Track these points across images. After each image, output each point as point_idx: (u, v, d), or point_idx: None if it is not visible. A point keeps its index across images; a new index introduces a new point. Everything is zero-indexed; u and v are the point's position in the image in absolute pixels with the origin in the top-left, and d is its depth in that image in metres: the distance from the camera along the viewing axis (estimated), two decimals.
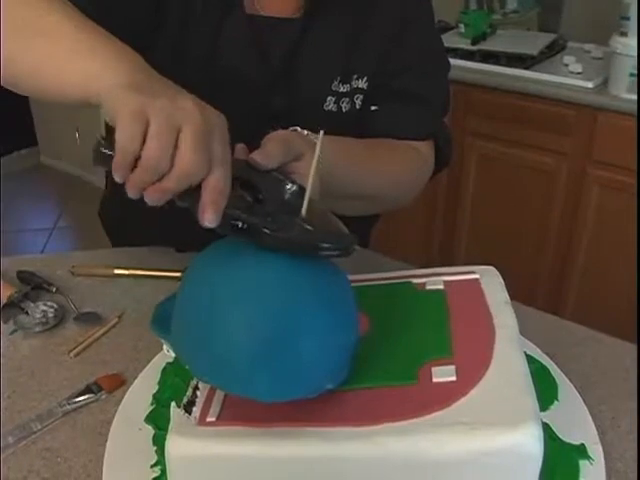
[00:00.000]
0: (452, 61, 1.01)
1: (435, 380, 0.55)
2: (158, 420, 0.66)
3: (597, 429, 0.64)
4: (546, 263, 2.12)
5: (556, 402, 0.67)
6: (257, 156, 0.63)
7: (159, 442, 0.63)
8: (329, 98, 0.89)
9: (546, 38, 2.20)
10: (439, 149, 0.98)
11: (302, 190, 0.61)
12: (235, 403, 0.57)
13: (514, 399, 0.52)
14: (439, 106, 0.98)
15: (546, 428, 0.52)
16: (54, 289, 0.89)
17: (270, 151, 0.64)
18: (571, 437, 0.62)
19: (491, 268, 0.71)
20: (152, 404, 0.69)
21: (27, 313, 0.84)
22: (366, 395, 0.56)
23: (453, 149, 1.00)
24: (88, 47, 0.62)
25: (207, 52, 0.84)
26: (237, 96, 0.85)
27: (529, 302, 0.83)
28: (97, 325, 0.83)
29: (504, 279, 0.69)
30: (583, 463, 0.60)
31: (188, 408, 0.57)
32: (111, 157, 0.54)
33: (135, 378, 0.73)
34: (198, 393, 0.59)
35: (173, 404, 0.58)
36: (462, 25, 2.22)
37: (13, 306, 0.85)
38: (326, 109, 0.89)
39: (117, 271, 0.93)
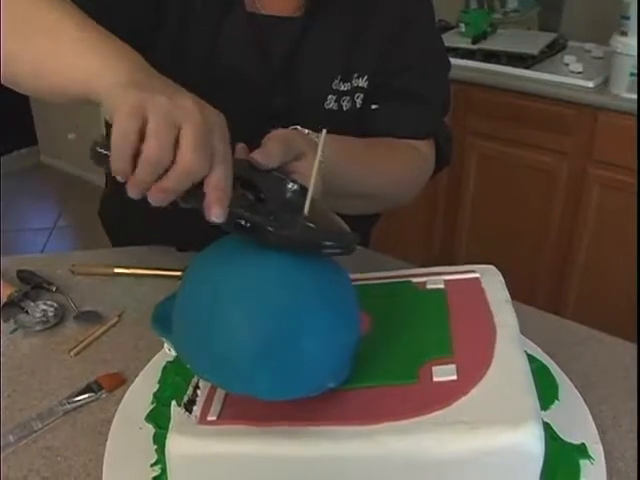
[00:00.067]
0: (452, 60, 1.01)
1: (436, 379, 0.55)
2: (158, 419, 0.66)
3: (598, 429, 0.64)
4: (546, 262, 2.12)
5: (557, 401, 0.67)
6: (258, 156, 0.63)
7: (159, 441, 0.63)
8: (330, 97, 0.89)
9: (546, 37, 2.20)
10: (439, 148, 0.98)
11: (303, 189, 0.61)
12: (236, 402, 0.57)
13: (515, 398, 0.52)
14: (439, 105, 0.98)
15: (547, 428, 0.52)
16: (54, 288, 0.89)
17: (270, 150, 0.64)
18: (572, 437, 0.62)
19: (491, 267, 0.71)
20: (152, 403, 0.69)
21: (27, 312, 0.84)
22: (367, 394, 0.56)
23: (453, 148, 1.00)
24: (88, 45, 0.62)
25: (207, 51, 0.84)
26: (237, 95, 0.85)
27: (529, 301, 0.82)
28: (97, 324, 0.83)
29: (504, 278, 0.69)
30: (584, 463, 0.60)
31: (189, 407, 0.57)
32: (107, 157, 0.54)
33: (135, 377, 0.73)
34: (199, 392, 0.59)
35: (174, 403, 0.58)
36: (462, 24, 2.22)
37: (13, 305, 0.85)
38: (327, 108, 0.89)
39: (117, 270, 0.93)
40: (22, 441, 0.66)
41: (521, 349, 0.59)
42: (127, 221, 1.03)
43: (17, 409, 0.70)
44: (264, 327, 0.53)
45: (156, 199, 0.53)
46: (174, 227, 0.83)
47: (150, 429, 0.66)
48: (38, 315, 0.83)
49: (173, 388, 0.69)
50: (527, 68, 2.02)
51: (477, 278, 0.68)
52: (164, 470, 0.59)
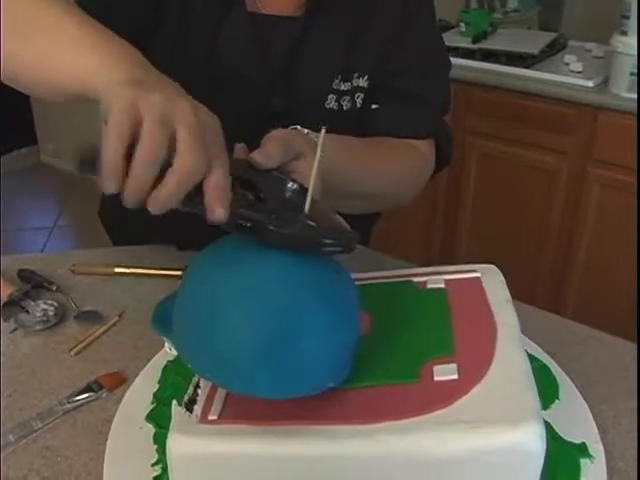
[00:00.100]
0: (453, 60, 1.01)
1: (437, 378, 0.55)
2: (159, 418, 0.66)
3: (598, 428, 0.64)
4: (547, 262, 2.12)
5: (557, 401, 0.67)
6: (257, 156, 0.63)
7: (160, 441, 0.63)
8: (330, 96, 0.89)
9: (547, 37, 2.20)
10: (440, 148, 0.98)
11: (303, 188, 0.61)
12: (237, 401, 0.57)
13: (516, 397, 0.52)
14: (439, 105, 0.97)
15: (547, 427, 0.51)
16: (54, 287, 0.89)
17: (270, 151, 0.64)
18: (572, 436, 0.62)
19: (492, 266, 0.71)
20: (153, 403, 0.69)
21: (28, 312, 0.84)
22: (368, 393, 0.56)
23: (454, 148, 1.00)
24: (88, 43, 0.62)
25: (207, 51, 0.84)
26: (237, 95, 0.85)
27: (530, 301, 0.82)
28: (98, 323, 0.82)
29: (505, 278, 0.69)
30: (584, 462, 0.60)
31: (189, 406, 0.57)
32: (94, 165, 0.53)
33: (136, 376, 0.73)
34: (199, 391, 0.59)
35: (174, 402, 0.58)
36: (463, 24, 2.23)
37: (14, 304, 0.85)
38: (327, 107, 0.89)
39: (118, 269, 0.93)
40: (22, 440, 0.66)
41: (522, 348, 0.59)
42: (127, 221, 1.02)
43: (17, 408, 0.70)
44: (264, 327, 0.53)
45: (156, 207, 0.52)
46: (174, 226, 0.83)
47: (150, 429, 0.65)
48: (38, 314, 0.83)
49: (173, 388, 0.69)
50: (527, 68, 2.02)
51: (478, 277, 0.68)
52: (165, 470, 0.59)
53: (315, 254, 0.57)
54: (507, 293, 0.66)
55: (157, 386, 0.71)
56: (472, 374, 0.55)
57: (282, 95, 0.88)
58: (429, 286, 0.68)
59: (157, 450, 0.63)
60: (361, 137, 0.88)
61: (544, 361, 0.72)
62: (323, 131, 0.60)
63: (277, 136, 0.66)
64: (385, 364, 0.58)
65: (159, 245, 0.97)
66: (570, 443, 0.61)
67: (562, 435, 0.62)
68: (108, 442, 0.64)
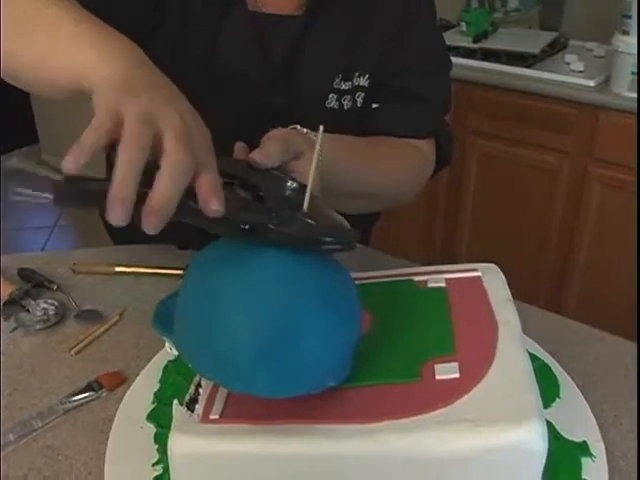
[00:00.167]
0: (453, 59, 1.01)
1: (438, 377, 0.55)
2: (160, 418, 0.66)
3: (599, 427, 0.64)
4: (547, 261, 2.12)
5: (558, 400, 0.67)
6: (256, 155, 0.62)
7: (161, 440, 0.63)
8: (331, 95, 0.89)
9: (547, 36, 2.20)
10: (440, 147, 0.97)
11: (302, 187, 0.60)
12: (238, 401, 0.57)
13: (517, 396, 0.52)
14: (440, 105, 0.97)
15: (548, 426, 0.51)
16: (55, 287, 0.89)
17: (269, 150, 0.64)
18: (573, 435, 0.62)
19: (493, 265, 0.71)
20: (153, 402, 0.69)
21: (28, 311, 0.84)
22: (369, 392, 0.56)
23: (454, 147, 1.00)
24: (86, 39, 0.62)
25: (207, 51, 0.84)
26: (237, 95, 0.85)
27: (531, 300, 0.82)
28: (98, 323, 0.82)
29: (506, 277, 0.69)
30: (585, 460, 0.60)
31: (191, 406, 0.57)
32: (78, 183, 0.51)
33: (136, 376, 0.73)
34: (201, 390, 0.59)
35: (175, 402, 0.57)
36: (463, 23, 2.22)
37: (14, 304, 0.85)
38: (328, 107, 0.89)
39: (118, 269, 0.93)
40: (22, 440, 0.66)
41: (523, 348, 0.58)
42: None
43: (17, 408, 0.70)
44: (265, 326, 0.53)
45: (151, 218, 0.49)
46: (175, 226, 0.83)
47: (151, 428, 0.65)
48: (39, 313, 0.83)
49: (174, 387, 0.69)
50: (528, 67, 2.02)
51: (478, 277, 0.68)
52: (166, 469, 0.59)
53: (315, 253, 0.57)
54: (508, 292, 0.66)
55: (158, 385, 0.70)
56: (473, 373, 0.55)
57: (282, 94, 0.88)
58: (430, 285, 0.68)
59: (158, 450, 0.63)
60: (362, 136, 0.88)
61: (545, 360, 0.72)
62: (321, 130, 0.60)
63: (277, 135, 0.66)
64: (386, 363, 0.58)
65: (160, 244, 0.97)
66: (571, 442, 0.61)
67: (563, 434, 0.62)
68: (109, 441, 0.64)
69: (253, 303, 0.53)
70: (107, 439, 0.65)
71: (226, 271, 0.56)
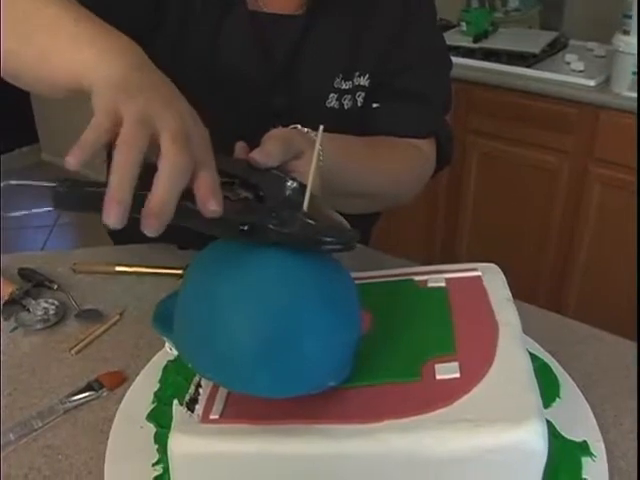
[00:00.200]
0: (454, 59, 1.01)
1: (438, 377, 0.55)
2: (160, 418, 0.66)
3: (600, 427, 0.64)
4: (548, 261, 2.12)
5: (558, 399, 0.67)
6: (257, 155, 0.62)
7: (161, 440, 0.63)
8: (331, 95, 0.89)
9: (548, 36, 2.20)
10: (440, 147, 0.97)
11: (302, 187, 0.60)
12: (238, 401, 0.56)
13: (517, 396, 0.52)
14: (440, 104, 0.97)
15: (549, 425, 0.51)
16: (55, 286, 0.89)
17: (270, 150, 0.63)
18: (573, 434, 0.62)
19: (493, 265, 0.71)
20: (153, 402, 0.69)
21: (28, 310, 0.84)
22: (369, 392, 0.56)
23: (454, 147, 1.00)
24: (86, 39, 0.61)
25: (207, 51, 0.84)
26: (238, 95, 0.85)
27: (531, 300, 0.82)
28: (98, 322, 0.82)
29: (506, 277, 0.69)
30: (585, 460, 0.60)
31: (191, 405, 0.57)
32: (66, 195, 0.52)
33: (136, 375, 0.73)
34: (201, 390, 0.59)
35: (176, 402, 0.57)
36: (464, 23, 2.22)
37: (14, 303, 0.85)
38: (328, 106, 0.89)
39: (118, 268, 0.93)
40: (23, 439, 0.66)
41: (523, 347, 0.58)
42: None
43: (17, 407, 0.70)
44: (265, 327, 0.52)
45: (151, 219, 0.49)
46: (175, 225, 0.83)
47: (151, 428, 0.65)
48: (39, 313, 0.83)
49: (174, 387, 0.69)
50: (528, 67, 2.02)
51: (479, 276, 0.68)
52: (166, 469, 0.59)
53: (315, 253, 0.57)
54: (508, 292, 0.66)
55: (158, 385, 0.70)
56: (474, 373, 0.55)
57: (283, 94, 0.88)
58: (430, 285, 0.68)
59: (158, 450, 0.63)
60: (362, 136, 0.88)
61: (545, 360, 0.72)
62: (321, 129, 0.60)
63: (277, 135, 0.66)
64: (386, 363, 0.58)
65: (160, 244, 0.97)
66: (571, 441, 0.61)
67: (563, 434, 0.62)
68: (109, 441, 0.64)
69: (253, 303, 0.53)
70: (107, 439, 0.65)
71: (226, 271, 0.56)
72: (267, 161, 0.62)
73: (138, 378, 0.72)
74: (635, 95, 1.79)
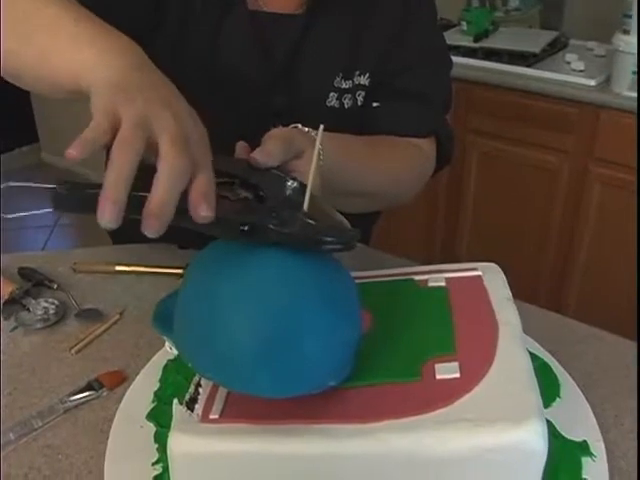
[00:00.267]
0: (454, 59, 1.01)
1: (439, 377, 0.55)
2: (160, 417, 0.66)
3: (600, 427, 0.64)
4: (548, 261, 2.12)
5: (558, 399, 0.67)
6: (257, 154, 0.62)
7: (161, 439, 0.63)
8: (331, 94, 0.89)
9: (548, 36, 2.20)
10: (441, 146, 0.97)
11: (303, 187, 0.60)
12: (238, 400, 0.56)
13: (518, 396, 0.52)
14: (440, 104, 0.97)
15: (549, 425, 0.51)
16: (55, 286, 0.89)
17: (270, 149, 0.63)
18: (573, 434, 0.62)
19: (493, 265, 0.71)
20: (153, 401, 0.69)
21: (28, 310, 0.84)
22: (369, 392, 0.56)
23: (455, 146, 1.00)
24: (86, 39, 0.61)
25: (207, 51, 0.84)
26: (238, 94, 0.85)
27: (531, 300, 0.82)
28: (98, 322, 0.82)
29: (506, 277, 0.69)
30: (585, 460, 0.60)
31: (191, 405, 0.57)
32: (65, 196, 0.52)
33: (136, 375, 0.73)
34: (200, 390, 0.59)
35: (175, 401, 0.57)
36: (464, 22, 2.22)
37: (14, 303, 0.85)
38: (328, 105, 0.89)
39: (118, 268, 0.92)
40: (23, 439, 0.66)
41: (523, 347, 0.58)
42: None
43: (17, 407, 0.70)
44: (265, 326, 0.52)
45: (151, 220, 0.49)
46: (175, 225, 0.83)
47: (151, 427, 0.65)
48: (39, 313, 0.83)
49: (174, 387, 0.69)
50: (529, 66, 2.02)
51: (479, 276, 0.68)
52: (165, 469, 0.59)
53: (315, 253, 0.57)
54: (508, 291, 0.66)
55: (158, 385, 0.70)
56: (474, 373, 0.55)
57: (283, 94, 0.88)
58: (430, 284, 0.68)
59: (158, 449, 0.63)
60: (362, 135, 0.88)
61: (545, 360, 0.72)
62: (321, 129, 0.60)
63: (277, 135, 0.66)
64: (386, 363, 0.58)
65: (160, 243, 0.97)
66: (571, 441, 0.61)
67: (563, 433, 0.62)
68: (109, 441, 0.64)
69: (253, 303, 0.53)
70: (107, 438, 0.65)
71: (226, 271, 0.56)
72: (268, 161, 0.62)
73: (138, 377, 0.72)
74: (635, 95, 1.79)
